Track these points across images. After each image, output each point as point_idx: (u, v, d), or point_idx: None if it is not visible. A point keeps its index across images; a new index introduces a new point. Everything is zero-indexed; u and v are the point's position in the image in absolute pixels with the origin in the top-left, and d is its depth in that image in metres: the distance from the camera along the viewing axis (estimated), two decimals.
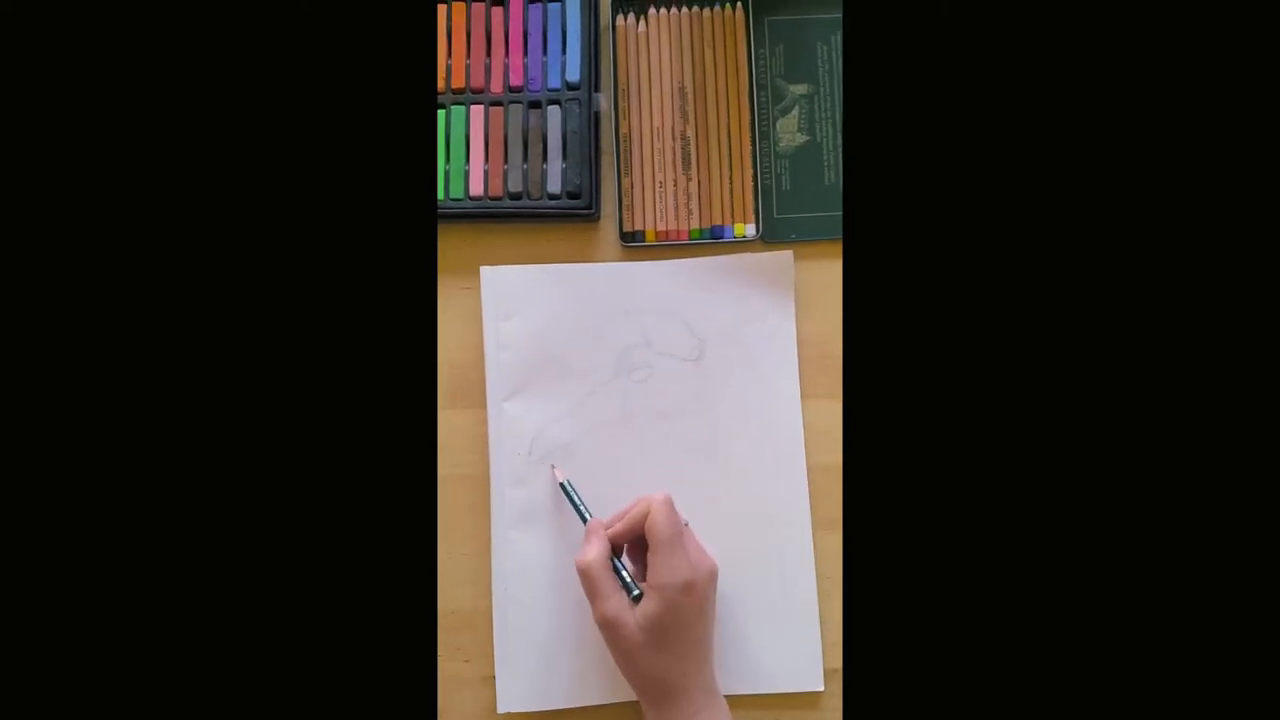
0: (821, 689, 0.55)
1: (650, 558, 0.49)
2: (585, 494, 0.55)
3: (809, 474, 0.57)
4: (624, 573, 0.50)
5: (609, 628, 0.49)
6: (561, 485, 0.55)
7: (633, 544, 0.52)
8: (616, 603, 0.49)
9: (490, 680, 0.55)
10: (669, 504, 0.50)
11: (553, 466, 0.56)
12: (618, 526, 0.51)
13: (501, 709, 0.54)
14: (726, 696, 0.52)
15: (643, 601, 0.49)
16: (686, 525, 0.52)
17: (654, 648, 0.48)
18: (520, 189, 0.58)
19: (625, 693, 0.54)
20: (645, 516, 0.50)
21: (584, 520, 0.53)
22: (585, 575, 0.50)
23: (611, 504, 0.55)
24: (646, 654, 0.48)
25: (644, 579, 0.50)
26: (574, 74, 0.59)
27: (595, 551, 0.50)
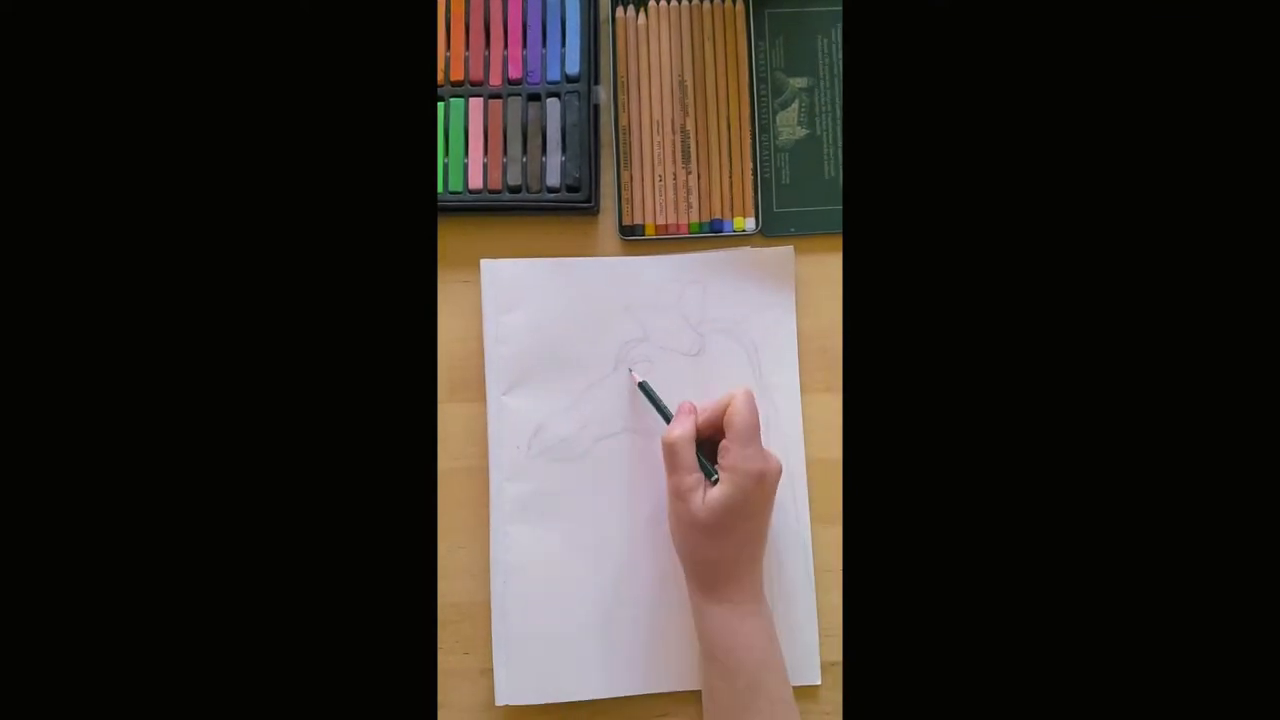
0: (819, 683, 0.55)
1: (728, 445, 0.51)
2: (584, 490, 0.56)
3: (807, 467, 0.57)
4: (704, 460, 0.52)
5: (679, 498, 0.51)
6: (640, 385, 0.56)
7: (706, 444, 0.53)
8: (693, 479, 0.51)
9: (489, 673, 0.55)
10: (751, 397, 0.52)
11: (630, 370, 0.57)
12: (701, 415, 0.53)
13: (500, 701, 0.54)
14: None
15: (716, 486, 0.50)
16: None
17: (715, 530, 0.50)
18: (520, 182, 0.58)
19: (622, 686, 0.55)
20: (727, 407, 0.52)
21: (666, 419, 0.54)
22: (670, 448, 0.52)
23: (613, 499, 0.56)
24: (706, 535, 0.51)
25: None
26: (573, 66, 0.59)
27: (682, 429, 0.52)
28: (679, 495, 0.51)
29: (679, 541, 0.52)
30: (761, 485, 0.50)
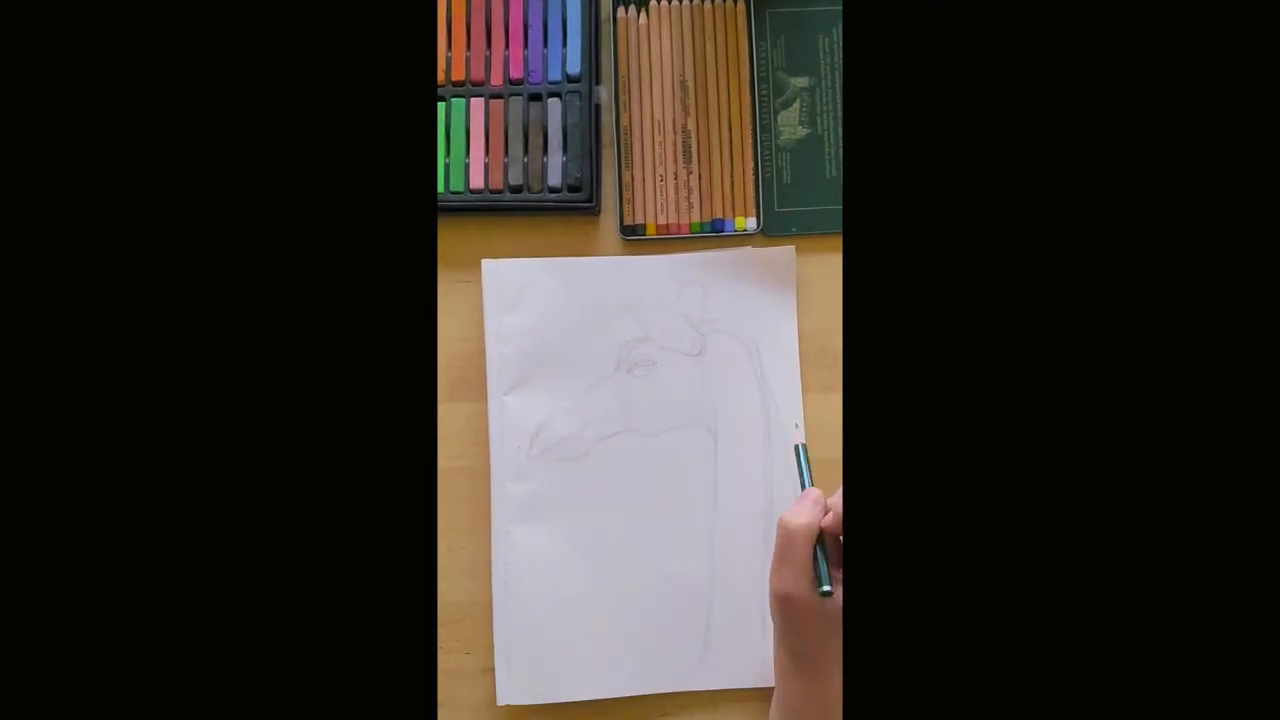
0: None
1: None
2: (586, 490, 0.56)
3: None
4: (822, 563, 0.48)
5: (786, 602, 0.48)
6: (796, 448, 0.54)
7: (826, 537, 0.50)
8: (804, 584, 0.48)
9: (490, 672, 0.55)
10: None
11: (795, 425, 0.55)
12: (831, 515, 0.49)
13: (501, 701, 0.54)
14: (725, 690, 0.53)
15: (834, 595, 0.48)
16: None
17: (831, 632, 0.47)
18: (520, 182, 0.58)
19: (623, 686, 0.55)
20: None
21: (804, 486, 0.52)
22: (787, 537, 0.48)
23: (615, 498, 0.56)
24: (823, 637, 0.48)
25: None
26: (575, 66, 0.59)
27: (805, 519, 0.48)
28: (785, 599, 0.48)
29: (785, 637, 0.50)
30: None
